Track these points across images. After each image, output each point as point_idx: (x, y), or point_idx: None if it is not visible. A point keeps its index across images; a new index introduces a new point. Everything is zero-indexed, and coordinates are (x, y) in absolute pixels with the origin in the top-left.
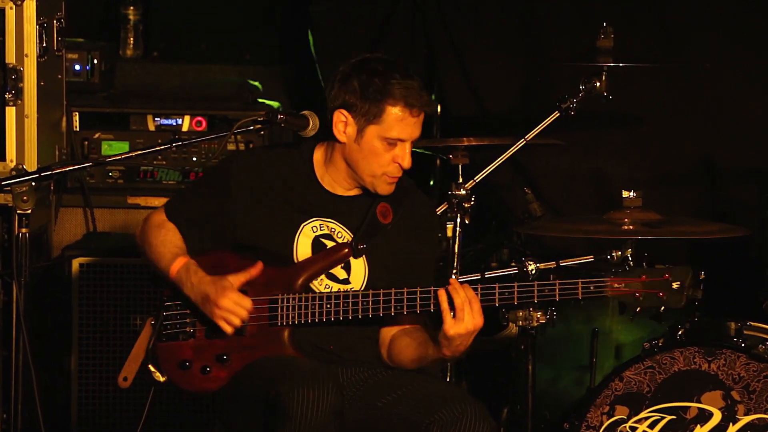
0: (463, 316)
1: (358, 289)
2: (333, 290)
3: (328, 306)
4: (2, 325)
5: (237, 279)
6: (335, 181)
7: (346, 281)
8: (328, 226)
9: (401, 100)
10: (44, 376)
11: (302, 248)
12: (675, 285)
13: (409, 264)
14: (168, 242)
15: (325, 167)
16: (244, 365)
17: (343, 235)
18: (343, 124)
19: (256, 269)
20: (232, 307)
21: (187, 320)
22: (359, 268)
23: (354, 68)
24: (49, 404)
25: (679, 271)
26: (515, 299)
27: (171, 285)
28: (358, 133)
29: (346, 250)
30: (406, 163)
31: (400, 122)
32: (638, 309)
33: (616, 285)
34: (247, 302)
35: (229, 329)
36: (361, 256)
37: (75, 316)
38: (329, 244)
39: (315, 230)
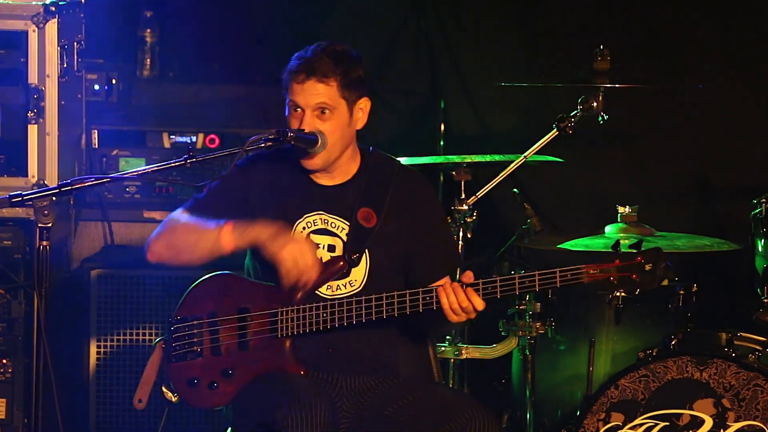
0: (458, 312)
1: (360, 280)
2: (334, 290)
3: (325, 315)
4: (24, 334)
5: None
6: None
7: (345, 275)
8: (322, 219)
9: (289, 70)
10: (63, 383)
11: None
12: (647, 267)
13: (420, 240)
14: (199, 218)
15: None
16: (248, 379)
17: (336, 224)
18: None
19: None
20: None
21: (195, 340)
22: (360, 264)
23: None
24: (68, 410)
25: (651, 253)
26: (498, 293)
27: (225, 300)
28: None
29: (341, 263)
30: (305, 125)
31: (290, 87)
32: (615, 293)
33: (591, 271)
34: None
35: (290, 267)
36: (357, 265)
37: (93, 325)
38: (320, 239)
39: (308, 226)
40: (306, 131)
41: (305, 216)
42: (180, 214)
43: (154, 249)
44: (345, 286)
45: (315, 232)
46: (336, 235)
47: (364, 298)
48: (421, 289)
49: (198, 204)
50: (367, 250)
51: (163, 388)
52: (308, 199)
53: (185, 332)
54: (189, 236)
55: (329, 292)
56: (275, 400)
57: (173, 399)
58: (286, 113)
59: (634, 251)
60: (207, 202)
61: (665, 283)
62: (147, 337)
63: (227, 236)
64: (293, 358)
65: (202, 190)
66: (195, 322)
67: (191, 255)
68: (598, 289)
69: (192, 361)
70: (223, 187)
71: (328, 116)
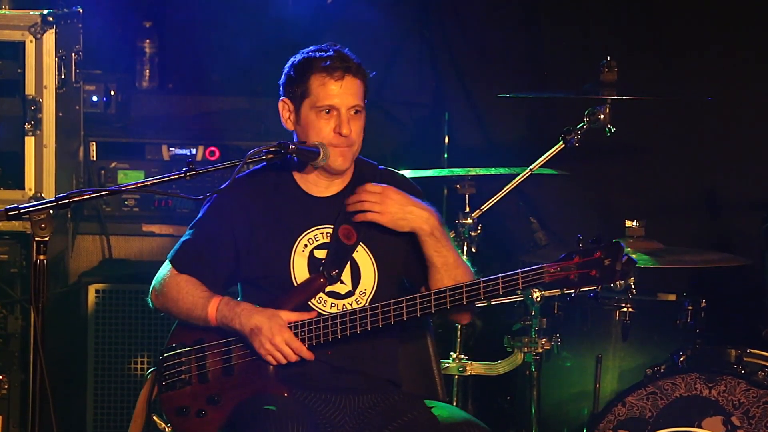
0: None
1: (370, 291)
2: (340, 309)
3: (302, 335)
4: (20, 349)
5: (289, 317)
6: (311, 182)
7: (350, 293)
8: (323, 233)
9: (321, 69)
10: (61, 399)
11: (299, 270)
12: (606, 262)
13: (413, 242)
14: (192, 290)
15: (299, 170)
16: (234, 405)
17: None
18: (287, 111)
19: (310, 315)
20: (284, 347)
21: (183, 368)
22: (368, 271)
23: (290, 63)
24: (65, 426)
25: (610, 248)
26: (464, 299)
27: (212, 329)
28: (296, 113)
29: (322, 279)
30: (345, 130)
31: (323, 88)
32: (576, 290)
33: (552, 270)
34: (297, 343)
35: (273, 362)
36: (336, 281)
37: (90, 341)
38: (324, 254)
39: (310, 242)
40: (344, 134)
41: (306, 232)
42: (166, 276)
43: (156, 305)
44: (351, 305)
45: (318, 247)
46: None
47: (339, 313)
48: (392, 301)
49: (182, 253)
50: (375, 265)
51: (155, 418)
52: (306, 214)
53: (174, 361)
54: (179, 306)
55: (334, 311)
56: (257, 426)
57: (166, 429)
58: (298, 120)
59: (594, 246)
60: (190, 252)
61: (627, 269)
62: (144, 352)
63: (213, 314)
64: (275, 379)
65: (202, 203)
66: (183, 350)
67: (188, 317)
68: (560, 288)
69: (181, 389)
70: (203, 228)
71: (359, 116)
